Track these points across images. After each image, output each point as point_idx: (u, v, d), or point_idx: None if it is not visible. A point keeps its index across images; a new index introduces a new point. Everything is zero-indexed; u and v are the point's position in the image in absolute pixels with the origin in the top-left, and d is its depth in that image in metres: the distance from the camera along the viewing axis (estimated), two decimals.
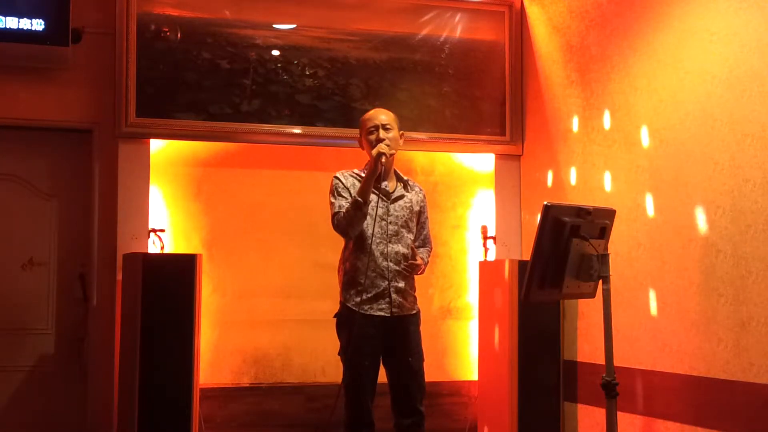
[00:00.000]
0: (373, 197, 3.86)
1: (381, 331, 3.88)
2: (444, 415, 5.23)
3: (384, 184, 3.95)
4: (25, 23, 4.50)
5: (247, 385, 5.00)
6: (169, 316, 4.36)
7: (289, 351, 5.07)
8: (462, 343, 5.38)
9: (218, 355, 4.94)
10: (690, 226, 4.01)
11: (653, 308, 4.24)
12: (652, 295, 4.24)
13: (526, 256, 4.12)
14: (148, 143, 4.84)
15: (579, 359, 4.81)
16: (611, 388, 3.30)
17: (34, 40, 4.51)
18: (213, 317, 4.91)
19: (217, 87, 4.90)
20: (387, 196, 3.97)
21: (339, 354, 3.93)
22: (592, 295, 3.49)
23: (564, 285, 3.31)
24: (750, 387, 3.65)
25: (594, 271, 3.31)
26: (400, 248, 3.95)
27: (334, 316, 3.97)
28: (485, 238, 5.34)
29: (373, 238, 3.88)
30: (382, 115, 4.00)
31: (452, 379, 5.32)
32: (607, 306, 3.32)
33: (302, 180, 5.10)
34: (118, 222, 4.75)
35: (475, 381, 5.24)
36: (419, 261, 4.00)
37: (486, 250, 5.33)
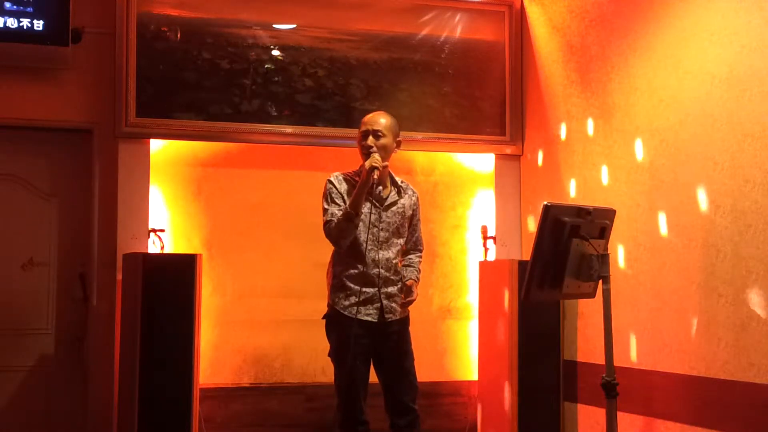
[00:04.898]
0: (365, 203, 3.85)
1: (369, 331, 3.88)
2: (444, 415, 5.23)
3: (378, 189, 3.94)
4: (25, 23, 4.50)
5: (247, 385, 5.00)
6: (169, 316, 4.36)
7: (289, 351, 5.07)
8: (462, 343, 5.38)
9: (218, 355, 4.94)
10: (690, 226, 4.01)
11: (653, 308, 4.23)
12: (652, 295, 4.24)
13: (526, 256, 4.12)
14: (148, 143, 4.84)
15: (579, 359, 4.81)
16: (611, 388, 3.30)
17: (34, 40, 4.51)
18: (213, 317, 4.91)
19: (217, 87, 4.90)
20: (380, 202, 3.96)
21: (329, 355, 3.94)
22: (592, 295, 3.49)
23: (564, 285, 3.31)
24: (750, 387, 3.65)
25: (594, 271, 3.31)
26: (390, 254, 3.95)
27: (323, 318, 3.98)
28: (485, 238, 5.34)
29: (364, 245, 3.86)
30: (381, 119, 3.95)
31: (452, 379, 5.32)
32: (607, 306, 3.32)
33: (302, 180, 5.09)
34: (118, 222, 4.75)
35: (475, 381, 5.25)
36: (415, 296, 3.99)
37: (486, 250, 5.33)
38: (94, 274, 4.80)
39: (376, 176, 3.80)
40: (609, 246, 3.48)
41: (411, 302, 3.99)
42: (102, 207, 4.81)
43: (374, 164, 3.80)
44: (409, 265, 4.06)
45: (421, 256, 4.15)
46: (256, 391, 4.99)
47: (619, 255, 4.39)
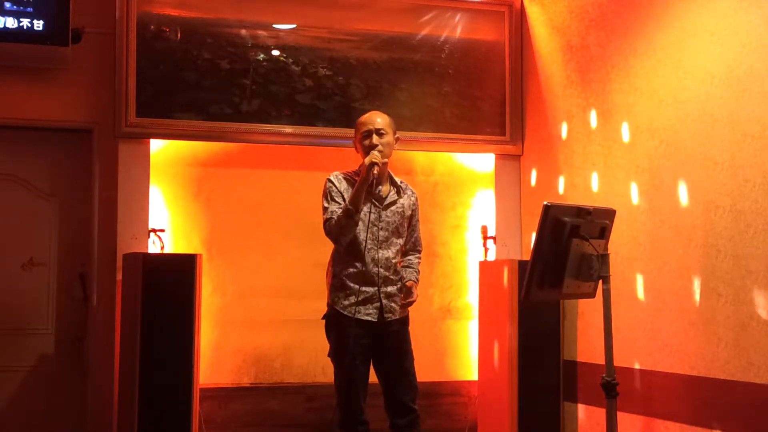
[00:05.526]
0: (365, 203, 3.85)
1: (369, 330, 3.89)
2: (444, 415, 5.23)
3: (378, 188, 3.95)
4: (25, 23, 4.50)
5: (247, 385, 5.00)
6: (169, 316, 4.36)
7: (289, 351, 5.07)
8: (462, 343, 5.38)
9: (218, 355, 4.94)
10: (690, 226, 4.01)
11: (653, 308, 4.23)
12: (652, 295, 4.24)
13: (526, 256, 4.12)
14: (148, 143, 4.84)
15: (579, 359, 4.81)
16: (611, 388, 3.30)
17: (34, 40, 4.51)
18: (213, 317, 4.91)
19: (217, 87, 4.90)
20: (379, 202, 3.96)
21: (329, 355, 3.94)
22: (592, 295, 3.49)
23: (564, 285, 3.31)
24: (750, 387, 3.65)
25: (594, 271, 3.31)
26: (390, 254, 3.95)
27: (323, 318, 3.98)
28: (485, 238, 5.34)
29: (363, 244, 3.87)
30: (378, 119, 3.97)
31: (452, 379, 5.32)
32: (607, 306, 3.32)
33: (302, 180, 5.09)
34: (118, 222, 4.75)
35: (475, 381, 5.25)
36: (415, 297, 4.00)
37: (486, 250, 5.33)
38: (94, 274, 4.80)
39: (375, 172, 3.81)
40: (609, 246, 3.47)
41: (411, 303, 3.99)
42: (102, 207, 4.81)
43: (374, 160, 3.81)
44: (408, 266, 4.06)
45: (420, 257, 4.16)
46: (256, 391, 4.99)
47: (619, 255, 4.39)
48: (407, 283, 3.99)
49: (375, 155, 3.83)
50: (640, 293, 4.32)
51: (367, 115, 4.03)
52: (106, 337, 4.73)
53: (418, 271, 4.11)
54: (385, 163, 3.91)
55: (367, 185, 3.81)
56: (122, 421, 4.49)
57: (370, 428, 3.91)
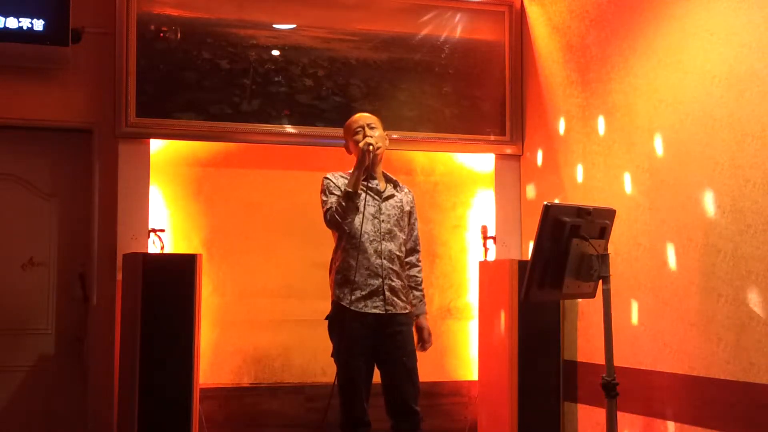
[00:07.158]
0: (363, 195, 3.89)
1: (373, 330, 3.89)
2: (444, 415, 5.23)
3: (375, 183, 3.98)
4: (25, 23, 4.50)
5: (247, 385, 5.00)
6: (169, 316, 4.36)
7: (289, 351, 5.07)
8: (462, 343, 5.38)
9: (218, 355, 4.94)
10: (690, 226, 4.01)
11: (653, 308, 4.23)
12: (652, 296, 4.24)
13: (526, 256, 4.13)
14: (148, 143, 4.84)
15: (579, 359, 4.81)
16: (611, 388, 3.30)
17: (34, 40, 4.51)
18: (213, 317, 4.91)
19: (217, 87, 4.90)
20: (378, 195, 3.99)
21: (332, 356, 3.94)
22: (592, 295, 3.49)
23: (564, 285, 3.31)
24: (750, 387, 3.65)
25: (594, 271, 3.31)
26: (393, 246, 3.97)
27: (326, 318, 3.98)
28: (485, 238, 5.34)
29: (366, 236, 3.90)
30: (367, 116, 4.08)
31: (452, 379, 5.32)
32: (607, 306, 3.32)
33: (302, 180, 5.09)
34: (118, 222, 4.75)
35: (475, 381, 5.25)
36: (431, 340, 4.12)
37: (486, 250, 5.33)
38: (94, 274, 4.80)
39: (371, 150, 3.87)
40: (609, 246, 3.48)
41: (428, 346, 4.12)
42: (102, 207, 4.81)
43: (369, 142, 3.90)
44: (415, 287, 4.09)
45: (419, 260, 4.17)
46: (256, 391, 4.99)
47: (619, 255, 4.39)
48: (422, 327, 4.08)
49: (369, 139, 3.92)
50: (640, 293, 4.32)
51: (357, 116, 4.11)
52: (106, 337, 4.73)
53: (422, 283, 4.14)
54: (380, 148, 3.96)
55: (365, 168, 3.86)
56: (122, 421, 4.49)
57: (372, 429, 3.91)
